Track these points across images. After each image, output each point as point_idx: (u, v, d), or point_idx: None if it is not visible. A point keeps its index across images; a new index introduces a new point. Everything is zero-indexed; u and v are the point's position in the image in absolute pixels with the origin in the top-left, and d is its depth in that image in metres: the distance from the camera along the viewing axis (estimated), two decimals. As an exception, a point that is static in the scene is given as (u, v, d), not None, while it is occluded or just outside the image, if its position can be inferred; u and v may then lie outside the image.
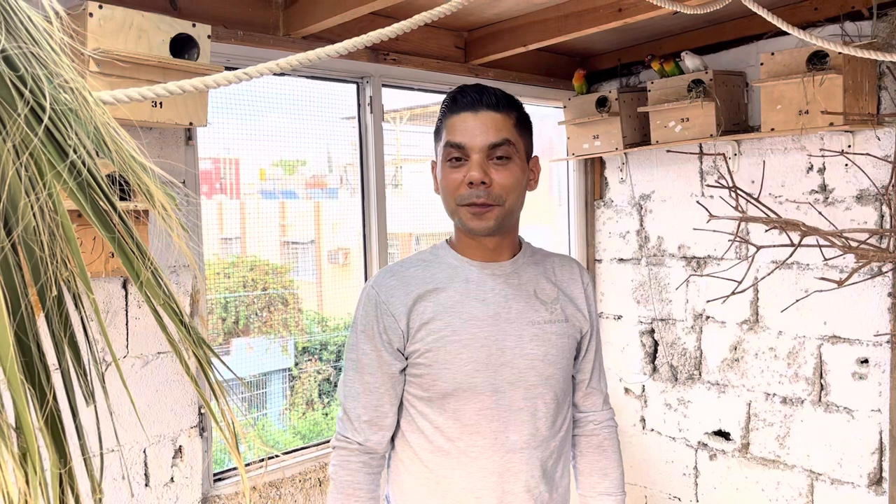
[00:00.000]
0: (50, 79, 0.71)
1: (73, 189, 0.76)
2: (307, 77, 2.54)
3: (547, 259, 1.48)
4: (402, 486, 1.41)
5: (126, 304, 1.97)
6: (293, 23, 2.28)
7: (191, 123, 1.80)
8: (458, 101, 1.34)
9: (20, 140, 0.72)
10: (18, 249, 0.66)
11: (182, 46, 1.78)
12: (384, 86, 2.65)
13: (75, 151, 0.76)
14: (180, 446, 2.06)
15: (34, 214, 0.75)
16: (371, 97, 2.60)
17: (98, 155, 0.79)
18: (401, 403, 1.39)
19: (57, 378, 0.70)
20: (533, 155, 1.41)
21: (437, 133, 1.39)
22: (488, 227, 1.32)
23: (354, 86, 2.63)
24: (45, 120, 0.72)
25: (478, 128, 1.31)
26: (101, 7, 1.57)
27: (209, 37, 1.80)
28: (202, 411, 2.11)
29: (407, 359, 1.35)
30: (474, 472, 1.34)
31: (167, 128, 1.95)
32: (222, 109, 2.70)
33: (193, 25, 1.76)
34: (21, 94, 0.71)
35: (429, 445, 1.36)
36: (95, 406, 0.76)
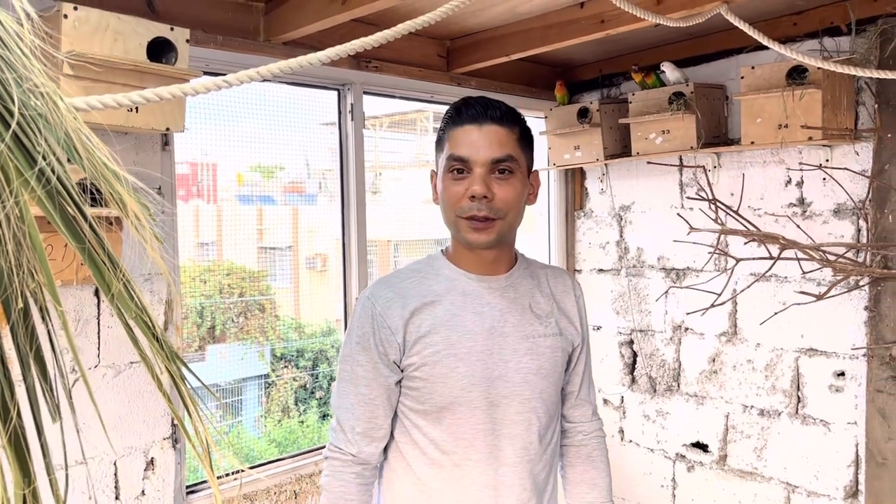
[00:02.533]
0: (19, 83, 0.68)
1: (41, 197, 0.73)
2: (287, 83, 2.51)
3: (540, 271, 1.48)
4: (395, 498, 1.40)
5: (98, 313, 1.92)
6: (274, 28, 2.25)
7: (168, 129, 1.76)
8: (462, 113, 1.33)
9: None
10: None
11: (160, 50, 1.74)
12: (365, 93, 2.62)
13: (44, 158, 0.73)
14: (152, 458, 2.01)
15: (0, 223, 0.71)
16: (352, 104, 2.58)
17: (69, 161, 0.76)
18: (395, 415, 1.38)
19: (22, 393, 0.67)
20: (533, 169, 1.41)
21: (439, 143, 1.37)
22: (489, 240, 1.32)
23: (335, 92, 2.61)
24: (13, 125, 0.69)
25: (481, 141, 1.30)
26: (75, 8, 1.53)
27: (188, 41, 1.76)
28: (175, 422, 2.06)
29: (403, 371, 1.34)
30: (468, 486, 1.34)
31: (143, 133, 1.91)
32: (201, 113, 2.66)
33: (172, 29, 1.73)
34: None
35: (423, 458, 1.35)
36: (61, 421, 0.73)
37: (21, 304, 0.72)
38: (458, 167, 1.31)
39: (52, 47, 1.46)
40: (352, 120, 2.59)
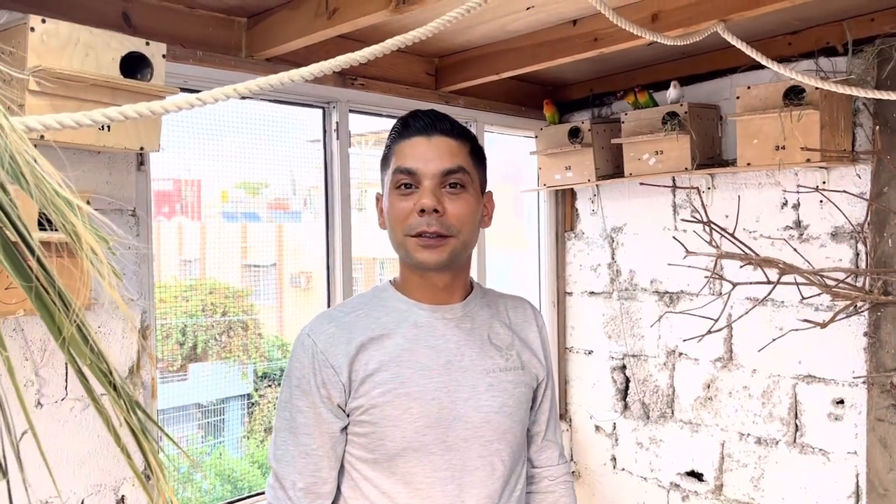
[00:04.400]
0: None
1: (-22, 229, 0.65)
2: (271, 101, 2.43)
3: (499, 300, 1.35)
4: None
5: (67, 341, 1.81)
6: (256, 44, 2.17)
7: (142, 148, 1.67)
8: (409, 126, 1.23)
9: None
10: None
11: (135, 66, 1.66)
12: (351, 111, 2.55)
13: (-16, 185, 0.65)
14: (122, 496, 1.89)
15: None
16: (338, 122, 2.50)
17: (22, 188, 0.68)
18: (341, 467, 1.23)
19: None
20: (487, 190, 1.30)
21: (385, 161, 1.26)
22: (440, 260, 1.19)
23: (320, 110, 2.53)
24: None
25: (431, 152, 1.19)
26: (43, 21, 1.44)
27: (164, 56, 1.68)
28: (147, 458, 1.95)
29: (349, 416, 1.20)
30: None
31: (116, 152, 1.82)
32: (184, 129, 2.57)
33: (147, 43, 1.64)
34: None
35: None
36: (21, 463, 0.65)
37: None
38: (406, 181, 1.19)
39: (14, 62, 1.37)
40: (337, 138, 2.51)
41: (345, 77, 2.47)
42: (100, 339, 0.72)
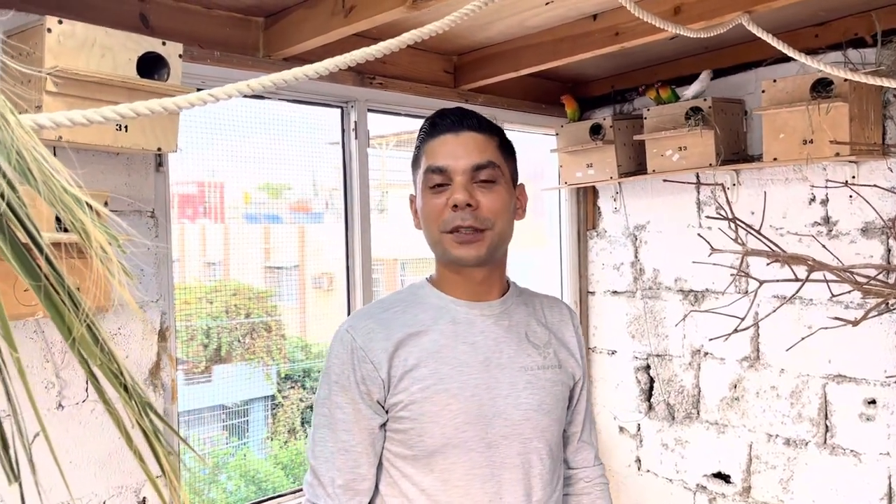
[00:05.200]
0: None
1: (-13, 227, 0.64)
2: (289, 101, 2.43)
3: (535, 299, 1.35)
4: None
5: (87, 342, 1.81)
6: (274, 44, 2.16)
7: (159, 149, 1.66)
8: (437, 125, 1.24)
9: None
10: None
11: (152, 66, 1.65)
12: (370, 111, 2.53)
13: (-9, 181, 0.63)
14: (144, 498, 1.89)
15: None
16: (356, 122, 2.49)
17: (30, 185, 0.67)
18: (380, 464, 1.23)
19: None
20: (518, 182, 1.29)
21: (416, 162, 1.27)
22: (479, 255, 1.19)
23: (338, 110, 2.52)
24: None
25: (460, 149, 1.20)
26: (60, 22, 1.44)
27: (180, 56, 1.67)
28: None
29: (387, 412, 1.19)
30: None
31: (135, 153, 1.82)
32: (207, 132, 2.58)
33: (164, 44, 1.64)
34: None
35: None
36: (33, 467, 0.64)
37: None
38: (438, 181, 1.20)
39: (32, 63, 1.37)
40: (355, 138, 2.50)
41: (363, 76, 2.45)
42: (111, 340, 0.70)
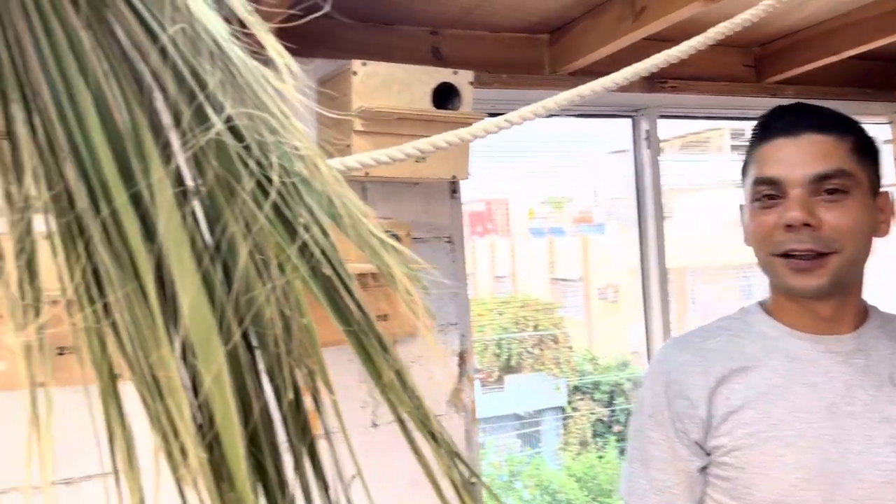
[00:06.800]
0: (279, 146, 0.60)
1: (304, 275, 0.65)
2: (576, 115, 2.38)
3: None
4: None
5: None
6: (560, 59, 2.13)
7: (454, 177, 1.71)
8: (770, 126, 1.04)
9: (245, 222, 0.62)
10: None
11: (446, 96, 1.71)
12: (661, 116, 2.39)
13: (307, 230, 0.64)
14: (448, 516, 1.95)
15: (267, 306, 0.64)
16: (647, 130, 2.37)
17: (340, 229, 0.67)
18: None
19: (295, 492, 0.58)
20: (881, 191, 1.05)
21: (745, 170, 1.08)
22: (819, 285, 0.98)
23: (628, 120, 2.41)
24: (273, 194, 0.61)
25: (797, 155, 0.99)
26: (364, 65, 1.54)
27: (471, 83, 1.70)
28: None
29: (708, 455, 1.05)
30: None
31: (432, 182, 1.90)
32: (490, 153, 2.65)
33: (455, 73, 1.68)
34: (246, 166, 0.61)
35: None
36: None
37: (291, 396, 0.64)
38: (768, 192, 1.01)
39: (342, 107, 1.47)
40: (647, 147, 2.38)
41: (653, 81, 2.32)
42: (417, 383, 0.69)
